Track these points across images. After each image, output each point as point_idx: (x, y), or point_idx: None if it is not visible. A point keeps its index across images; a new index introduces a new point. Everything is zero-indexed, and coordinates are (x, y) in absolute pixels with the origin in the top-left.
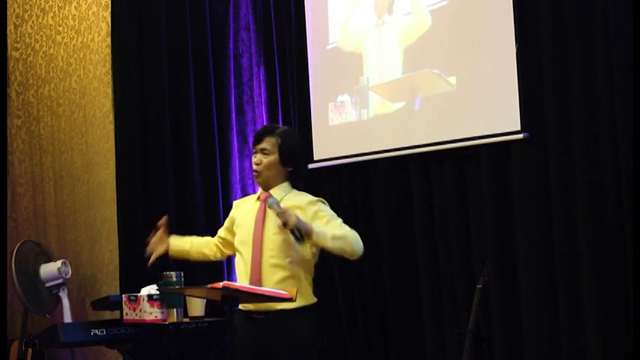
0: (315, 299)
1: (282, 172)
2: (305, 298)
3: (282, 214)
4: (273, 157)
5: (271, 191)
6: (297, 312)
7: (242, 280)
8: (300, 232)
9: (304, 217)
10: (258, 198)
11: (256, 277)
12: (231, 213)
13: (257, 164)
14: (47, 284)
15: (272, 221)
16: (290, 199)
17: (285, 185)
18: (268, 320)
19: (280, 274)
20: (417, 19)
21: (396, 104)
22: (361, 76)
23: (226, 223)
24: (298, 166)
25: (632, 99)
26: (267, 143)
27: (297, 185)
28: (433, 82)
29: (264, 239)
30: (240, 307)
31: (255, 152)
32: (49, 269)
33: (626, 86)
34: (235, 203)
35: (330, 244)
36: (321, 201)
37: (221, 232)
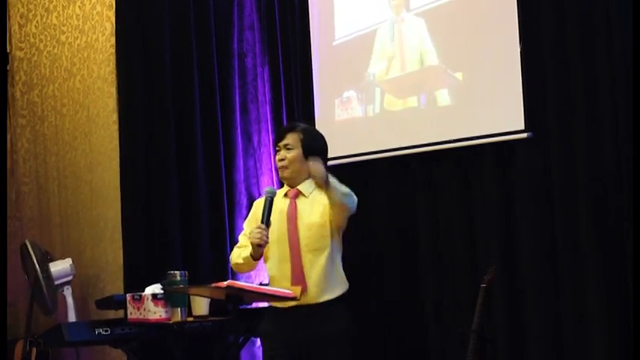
0: (348, 285)
1: (306, 166)
2: (343, 284)
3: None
4: (297, 152)
5: (299, 187)
6: (337, 302)
7: (281, 280)
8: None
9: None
10: (286, 195)
11: (299, 273)
12: (252, 214)
13: (281, 160)
14: (59, 281)
15: (303, 217)
16: (317, 195)
17: (311, 181)
18: (307, 313)
19: (319, 266)
20: (433, 15)
21: (403, 100)
22: (368, 72)
23: (249, 224)
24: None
25: (632, 99)
26: (289, 139)
27: None
28: (440, 78)
29: (300, 236)
30: (275, 305)
31: (279, 149)
32: (61, 267)
33: (629, 86)
34: (257, 203)
35: (341, 199)
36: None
37: (244, 238)
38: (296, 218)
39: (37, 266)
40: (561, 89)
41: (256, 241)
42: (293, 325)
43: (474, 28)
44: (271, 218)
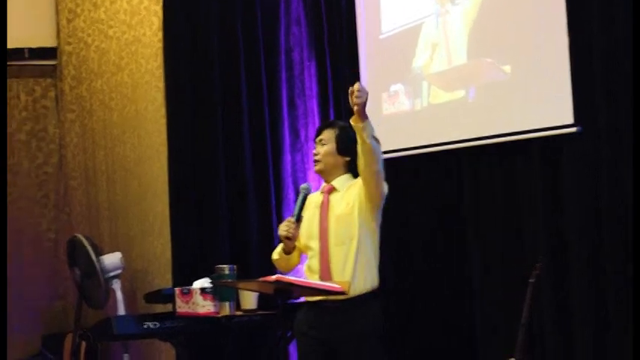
0: (379, 281)
1: (341, 161)
2: (374, 281)
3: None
4: (330, 146)
5: (333, 182)
6: (367, 297)
7: (311, 275)
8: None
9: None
10: (322, 191)
11: (326, 268)
12: None
13: (315, 154)
14: (109, 274)
15: (334, 211)
16: (349, 189)
17: (347, 177)
18: (335, 307)
19: (348, 261)
20: (479, 7)
21: (451, 94)
22: (415, 66)
23: None
24: (356, 157)
25: (632, 99)
26: (325, 134)
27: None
28: (487, 72)
29: (329, 229)
30: (307, 299)
31: (315, 145)
32: (112, 259)
33: None
34: None
35: (370, 139)
36: None
37: None
38: (327, 213)
39: (94, 258)
40: (610, 82)
41: (283, 233)
42: (323, 320)
43: (522, 21)
44: (307, 214)
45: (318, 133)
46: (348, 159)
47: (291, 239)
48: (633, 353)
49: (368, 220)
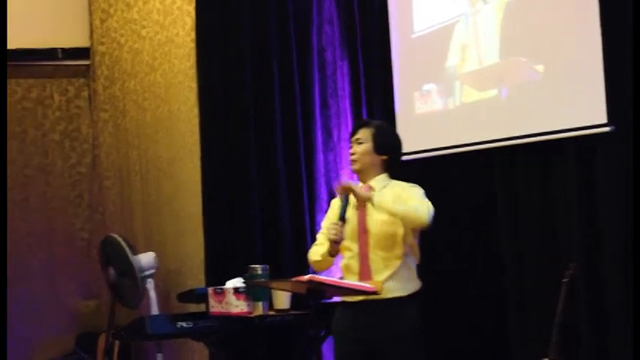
0: (421, 284)
1: (378, 160)
2: (413, 284)
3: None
4: (367, 146)
5: (370, 182)
6: (407, 299)
7: (350, 276)
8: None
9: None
10: None
11: (366, 268)
12: (330, 212)
13: (352, 154)
14: (143, 274)
15: (373, 213)
16: (388, 191)
17: (384, 177)
18: (375, 309)
19: (388, 262)
20: (510, 7)
21: (483, 93)
22: (448, 65)
23: (326, 223)
24: (393, 155)
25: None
26: (361, 134)
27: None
28: (520, 71)
29: (369, 231)
30: (345, 299)
31: (352, 144)
32: (147, 258)
33: None
34: (334, 202)
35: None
36: (414, 186)
37: (322, 236)
38: (365, 214)
39: (131, 258)
40: None
41: (332, 237)
42: (362, 321)
43: (554, 20)
44: (346, 215)
45: (354, 132)
46: (385, 158)
47: (338, 242)
48: (633, 353)
49: (412, 232)
